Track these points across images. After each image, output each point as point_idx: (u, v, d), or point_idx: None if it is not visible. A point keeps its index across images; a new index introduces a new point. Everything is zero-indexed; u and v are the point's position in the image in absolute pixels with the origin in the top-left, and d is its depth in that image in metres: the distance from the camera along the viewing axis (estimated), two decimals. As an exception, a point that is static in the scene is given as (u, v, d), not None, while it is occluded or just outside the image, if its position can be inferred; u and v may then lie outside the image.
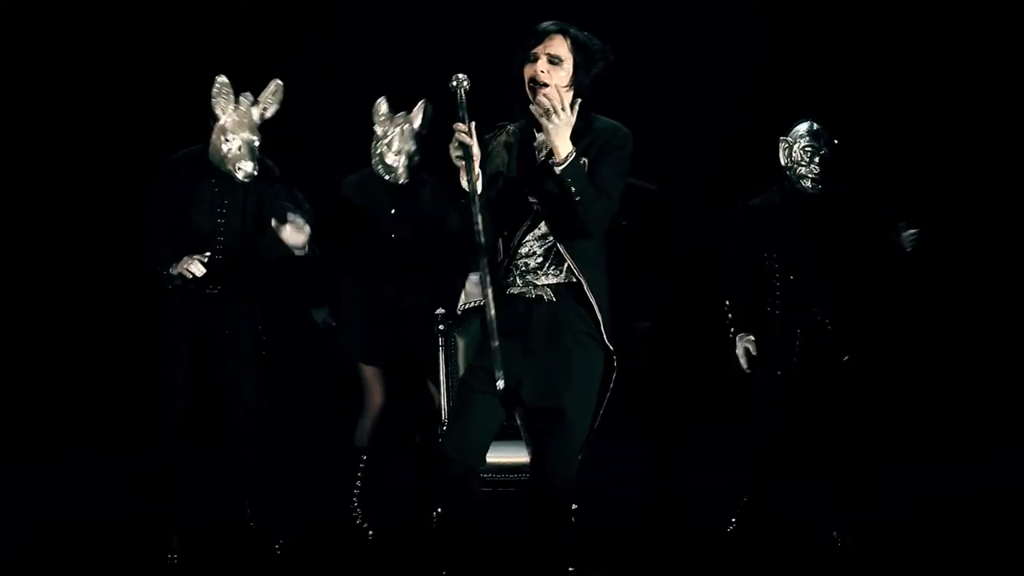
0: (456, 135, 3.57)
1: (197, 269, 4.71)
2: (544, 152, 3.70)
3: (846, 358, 5.04)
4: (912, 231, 5.06)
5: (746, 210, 5.17)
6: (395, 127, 5.19)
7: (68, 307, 7.41)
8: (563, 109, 3.57)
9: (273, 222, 4.75)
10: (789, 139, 5.10)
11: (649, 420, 5.44)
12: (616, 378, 3.74)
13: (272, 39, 7.15)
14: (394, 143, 5.18)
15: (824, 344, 5.03)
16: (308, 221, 4.80)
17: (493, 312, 3.54)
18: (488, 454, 3.79)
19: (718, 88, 7.37)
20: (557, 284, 3.70)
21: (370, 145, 5.24)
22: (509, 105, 3.81)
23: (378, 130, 5.22)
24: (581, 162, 3.64)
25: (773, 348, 5.09)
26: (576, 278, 3.68)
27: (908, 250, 5.07)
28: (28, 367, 7.28)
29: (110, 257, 7.07)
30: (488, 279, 3.58)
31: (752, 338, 5.11)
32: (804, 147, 5.06)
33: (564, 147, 3.58)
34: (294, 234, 4.74)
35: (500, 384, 3.50)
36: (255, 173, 4.84)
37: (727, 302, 5.19)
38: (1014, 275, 7.23)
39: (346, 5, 7.45)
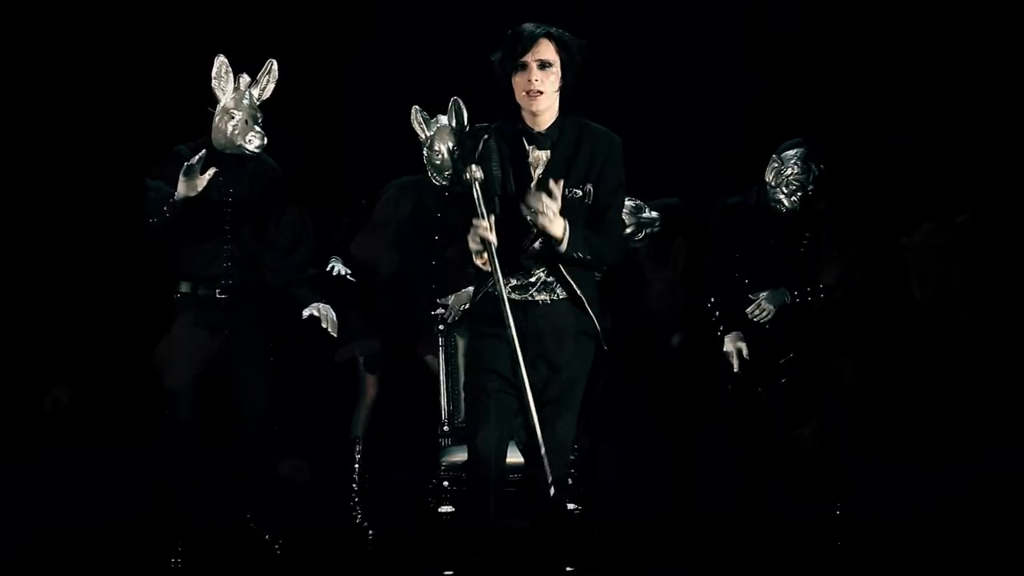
0: (477, 231, 3.58)
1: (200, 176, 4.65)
2: (540, 168, 3.75)
3: (788, 356, 5.05)
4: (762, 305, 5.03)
5: (724, 208, 5.18)
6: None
7: (70, 307, 7.41)
8: (546, 208, 3.58)
9: (305, 312, 4.88)
10: (778, 161, 5.09)
11: (666, 421, 5.41)
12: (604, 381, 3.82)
13: (272, 39, 7.15)
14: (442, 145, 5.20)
15: (762, 349, 5.04)
16: (302, 235, 4.95)
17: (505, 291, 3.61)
18: None
19: (717, 91, 7.37)
20: (552, 293, 3.77)
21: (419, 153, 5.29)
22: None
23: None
24: (587, 189, 3.72)
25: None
26: (570, 290, 3.75)
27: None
28: (28, 366, 7.28)
29: (112, 257, 7.07)
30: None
31: (741, 335, 5.04)
32: (789, 176, 5.05)
33: (558, 230, 3.62)
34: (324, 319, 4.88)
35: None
36: (265, 143, 4.85)
37: (711, 299, 5.12)
38: (1006, 274, 7.23)
39: (347, 5, 7.45)
